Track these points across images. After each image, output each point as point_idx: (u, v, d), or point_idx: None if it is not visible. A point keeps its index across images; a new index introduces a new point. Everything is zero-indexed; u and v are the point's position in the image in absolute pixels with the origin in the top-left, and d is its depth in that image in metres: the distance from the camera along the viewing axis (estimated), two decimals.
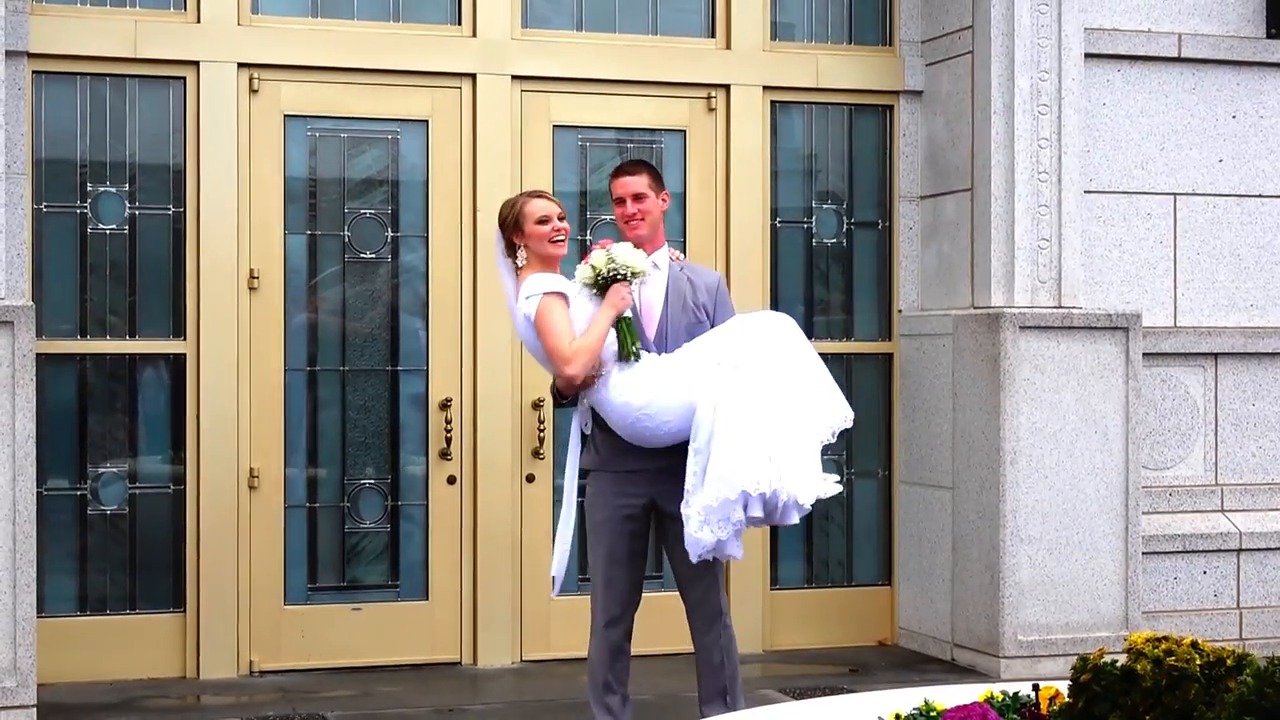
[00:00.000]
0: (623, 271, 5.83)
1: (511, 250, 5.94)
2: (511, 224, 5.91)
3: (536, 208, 5.90)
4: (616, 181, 6.19)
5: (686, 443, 5.78)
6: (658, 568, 7.45)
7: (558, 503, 8.24)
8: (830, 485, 5.81)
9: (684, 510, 5.68)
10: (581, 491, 5.64)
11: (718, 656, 6.08)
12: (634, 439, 5.87)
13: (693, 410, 5.70)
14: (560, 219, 5.92)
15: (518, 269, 5.91)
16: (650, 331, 6.00)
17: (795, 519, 5.73)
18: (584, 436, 6.06)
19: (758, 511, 5.62)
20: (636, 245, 6.00)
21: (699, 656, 6.12)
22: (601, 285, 5.84)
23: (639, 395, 5.76)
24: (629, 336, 5.84)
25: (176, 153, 7.94)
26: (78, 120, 7.83)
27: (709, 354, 5.79)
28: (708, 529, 5.62)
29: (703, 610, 6.08)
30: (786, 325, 5.95)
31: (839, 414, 5.88)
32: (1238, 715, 3.01)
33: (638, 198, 6.11)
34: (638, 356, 5.85)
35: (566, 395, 5.93)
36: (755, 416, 5.63)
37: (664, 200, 6.17)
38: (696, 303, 6.08)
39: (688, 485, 5.68)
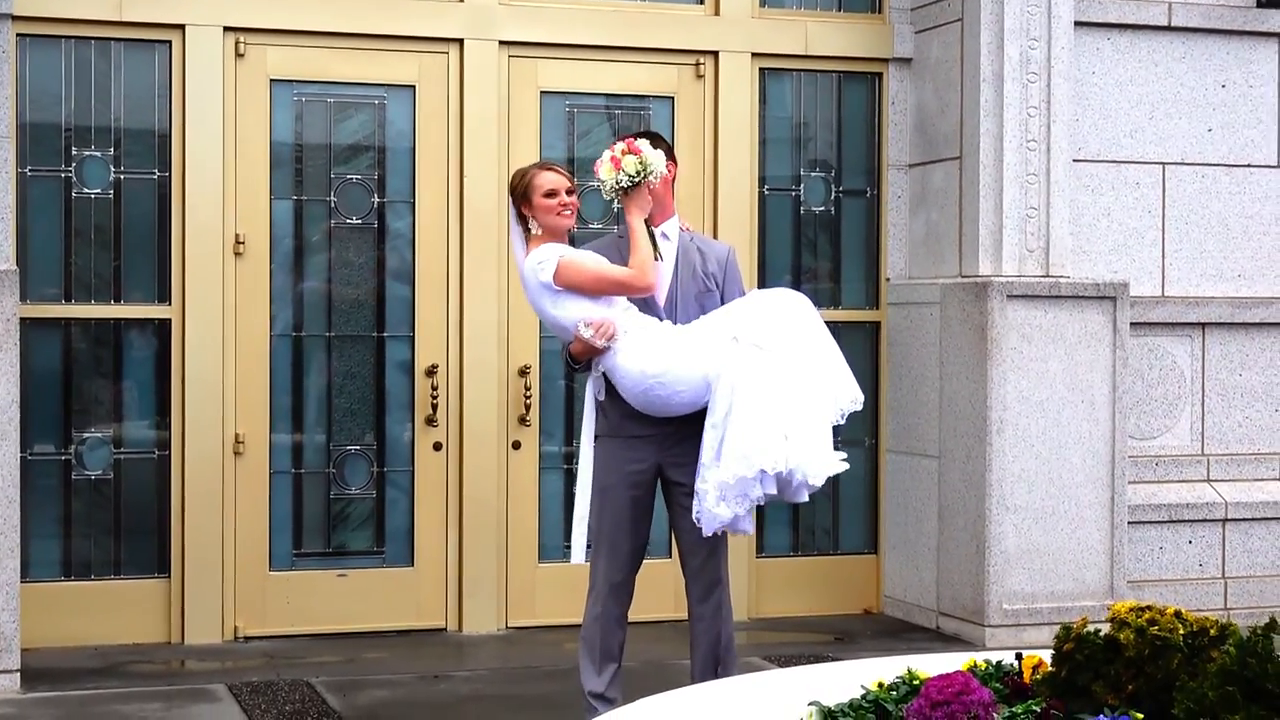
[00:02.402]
0: (651, 174, 5.87)
1: (522, 220, 5.96)
2: (520, 194, 5.96)
3: (545, 180, 5.94)
4: None
5: (695, 412, 5.86)
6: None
7: (544, 469, 8.29)
8: (839, 463, 5.90)
9: (699, 485, 5.75)
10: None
11: (714, 626, 6.10)
12: (644, 407, 5.89)
13: (706, 382, 5.77)
14: (569, 193, 5.96)
15: (529, 237, 5.94)
16: (660, 299, 6.01)
17: (805, 497, 5.85)
18: (597, 404, 6.06)
19: (772, 489, 5.72)
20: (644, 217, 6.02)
21: (695, 625, 6.13)
22: (627, 189, 5.87)
23: (654, 363, 5.79)
24: (651, 238, 5.92)
25: (162, 117, 7.90)
26: (62, 84, 7.79)
27: (725, 328, 5.84)
28: (724, 505, 5.71)
29: (703, 578, 6.10)
30: (803, 304, 6.01)
31: (849, 395, 5.95)
32: (1220, 685, 3.01)
33: None
34: (661, 258, 5.94)
35: (579, 362, 5.93)
36: (773, 395, 5.70)
37: (670, 171, 6.12)
38: (706, 272, 6.11)
39: (703, 459, 5.74)
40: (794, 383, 5.77)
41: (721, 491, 5.68)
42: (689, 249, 6.12)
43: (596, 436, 6.08)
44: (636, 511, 6.05)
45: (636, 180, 5.87)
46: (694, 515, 5.81)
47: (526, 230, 5.98)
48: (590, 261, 5.88)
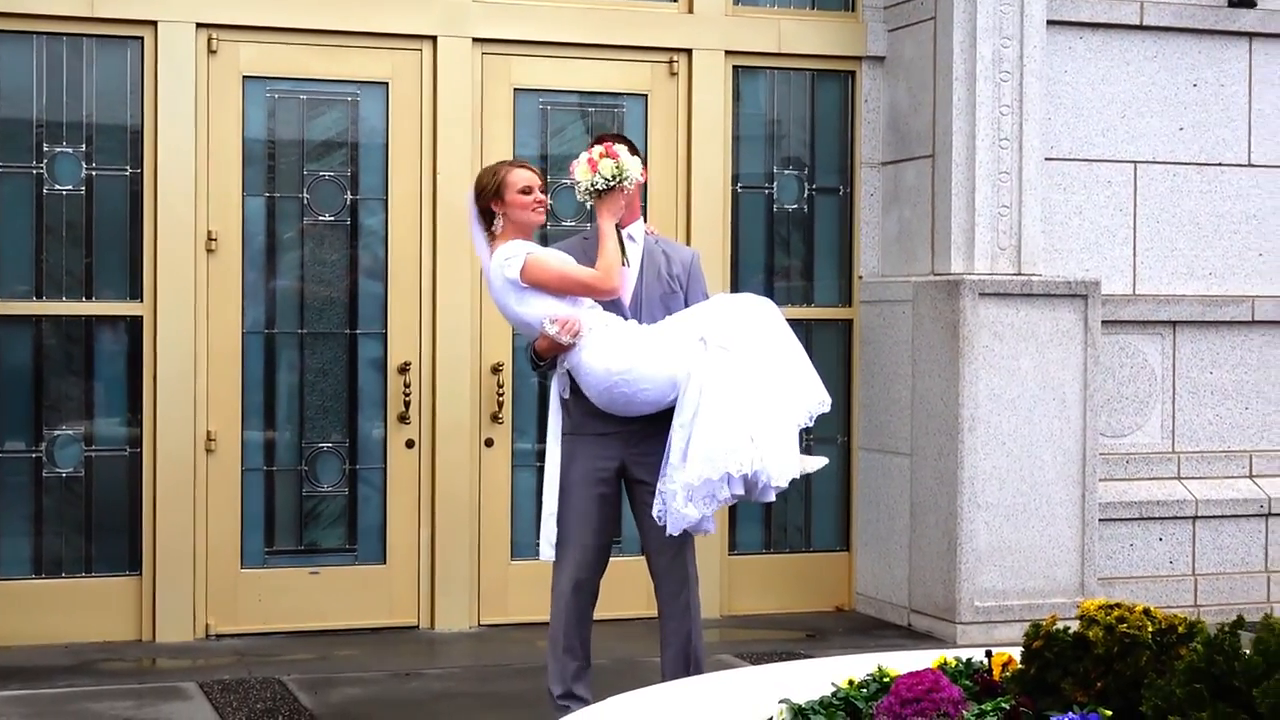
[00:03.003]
0: (626, 180, 5.90)
1: (488, 218, 5.94)
2: (493, 191, 5.94)
3: (520, 177, 5.95)
4: None
5: (659, 411, 5.88)
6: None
7: (517, 467, 8.28)
8: (811, 461, 5.98)
9: (665, 485, 5.75)
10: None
11: (684, 625, 6.09)
12: (608, 406, 5.90)
13: (671, 382, 5.78)
14: (541, 190, 5.98)
15: (492, 236, 5.94)
16: (625, 299, 6.01)
17: (772, 497, 5.87)
18: (562, 401, 6.06)
19: (739, 490, 5.74)
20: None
21: (665, 624, 6.12)
22: (601, 191, 5.90)
23: (619, 361, 5.80)
24: (620, 243, 5.96)
25: (134, 113, 7.88)
26: (34, 80, 7.76)
27: (692, 328, 5.86)
28: (691, 505, 5.71)
29: (671, 577, 6.09)
30: (769, 308, 6.03)
31: (816, 398, 5.96)
32: (1188, 683, 3.02)
33: None
34: (629, 263, 6.00)
35: (544, 359, 5.93)
36: (740, 398, 5.72)
37: (642, 175, 6.12)
38: (671, 274, 6.14)
39: (671, 460, 5.74)
40: (760, 385, 5.79)
41: (688, 492, 5.69)
42: (654, 251, 6.15)
43: (562, 434, 6.09)
44: (602, 509, 6.04)
45: (611, 184, 5.89)
46: (655, 514, 5.81)
47: (489, 228, 5.97)
48: (556, 260, 5.89)
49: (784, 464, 5.78)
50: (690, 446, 5.68)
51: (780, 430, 5.80)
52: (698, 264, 6.28)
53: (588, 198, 5.95)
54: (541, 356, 5.95)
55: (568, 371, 5.96)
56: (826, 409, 6.00)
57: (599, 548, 6.06)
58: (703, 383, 5.71)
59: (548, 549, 6.01)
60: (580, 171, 5.93)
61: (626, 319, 5.97)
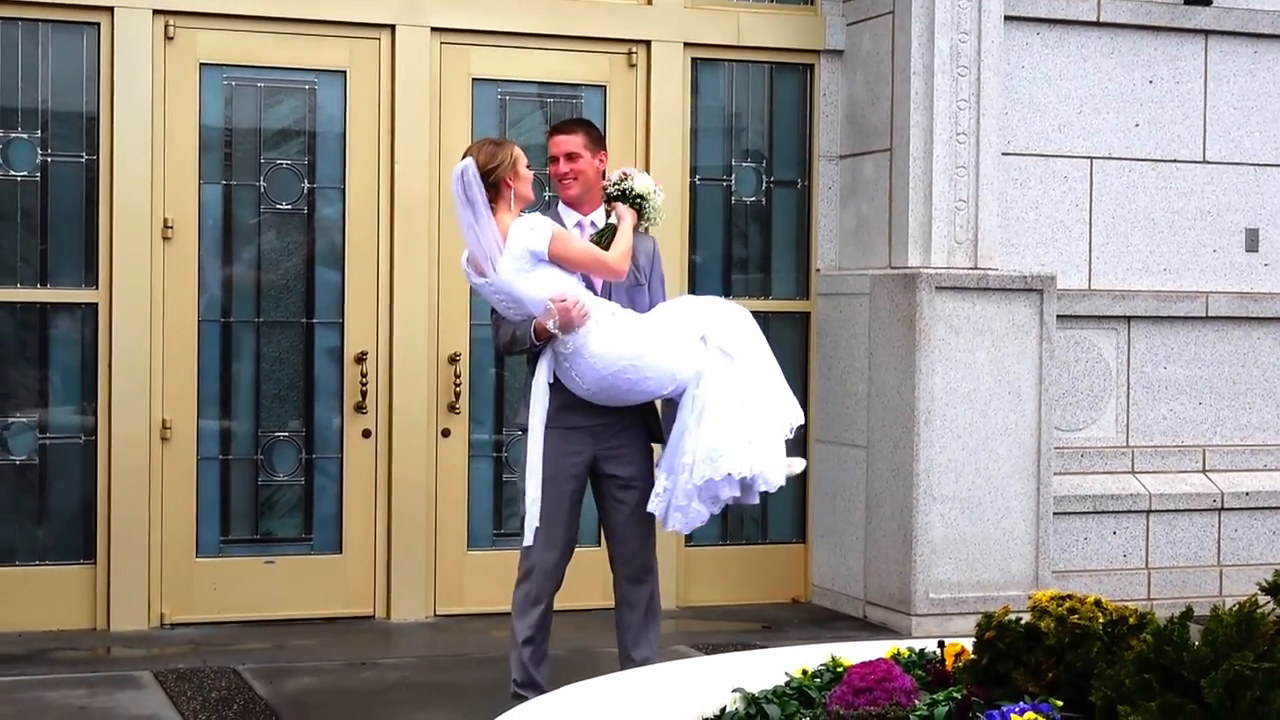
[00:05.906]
0: (649, 211, 6.17)
1: (496, 194, 5.83)
2: (509, 167, 5.85)
3: (521, 154, 5.94)
4: (551, 140, 6.28)
5: (631, 406, 6.04)
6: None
7: (474, 457, 8.29)
8: (796, 463, 6.16)
9: (676, 484, 5.89)
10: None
11: (641, 616, 6.12)
12: (600, 392, 5.93)
13: (671, 374, 5.92)
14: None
15: (496, 212, 5.84)
16: (596, 287, 6.05)
17: (756, 499, 6.07)
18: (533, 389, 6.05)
19: (737, 491, 5.94)
20: (569, 204, 6.20)
21: (622, 613, 6.15)
22: (626, 200, 6.13)
23: (629, 347, 5.86)
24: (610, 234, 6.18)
25: (90, 100, 7.83)
26: None
27: (691, 325, 5.98)
28: (699, 505, 5.91)
29: (632, 566, 6.14)
30: (750, 317, 6.16)
31: (793, 413, 6.12)
32: (1137, 673, 3.04)
33: (570, 157, 6.19)
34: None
35: (539, 340, 5.87)
36: (740, 402, 5.91)
37: (601, 161, 6.22)
38: (636, 265, 6.19)
39: (684, 460, 5.87)
40: (756, 391, 5.96)
41: (694, 493, 5.86)
42: None
43: (525, 428, 6.08)
44: (572, 503, 6.08)
45: (643, 207, 6.14)
46: (656, 511, 5.95)
47: (495, 202, 5.82)
48: (577, 238, 6.01)
49: (776, 466, 5.97)
50: (696, 449, 5.85)
51: (771, 433, 5.99)
52: (658, 252, 6.38)
53: (624, 192, 6.12)
54: (540, 338, 5.90)
55: (554, 356, 5.91)
56: (800, 422, 6.14)
57: (568, 543, 6.10)
58: (709, 385, 5.87)
59: (532, 536, 5.98)
60: (643, 179, 6.16)
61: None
